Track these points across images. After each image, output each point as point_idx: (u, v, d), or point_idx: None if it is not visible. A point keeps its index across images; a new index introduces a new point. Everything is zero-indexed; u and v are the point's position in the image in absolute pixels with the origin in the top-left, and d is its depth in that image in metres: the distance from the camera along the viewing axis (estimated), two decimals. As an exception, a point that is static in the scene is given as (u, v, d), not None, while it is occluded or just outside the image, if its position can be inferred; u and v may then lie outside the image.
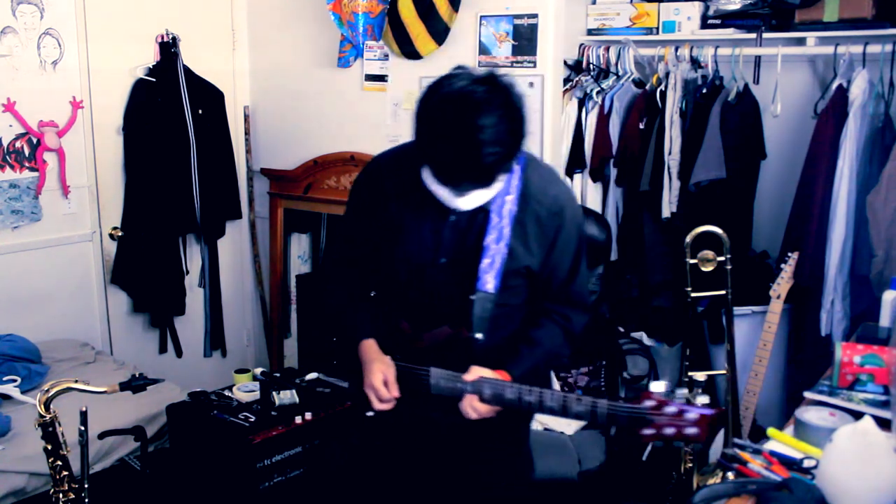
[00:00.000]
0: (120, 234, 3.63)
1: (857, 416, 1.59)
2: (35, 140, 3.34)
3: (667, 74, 3.21)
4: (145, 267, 3.67)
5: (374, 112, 3.59)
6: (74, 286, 3.56)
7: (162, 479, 2.76)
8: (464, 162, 1.59)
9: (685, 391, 1.64)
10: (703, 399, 1.65)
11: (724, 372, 2.72)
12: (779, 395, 3.15)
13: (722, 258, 2.57)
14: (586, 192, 3.42)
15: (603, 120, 3.32)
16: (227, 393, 2.98)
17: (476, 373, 1.77)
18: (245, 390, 2.95)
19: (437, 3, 3.23)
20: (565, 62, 3.41)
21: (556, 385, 2.93)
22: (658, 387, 1.63)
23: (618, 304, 3.39)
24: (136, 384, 1.98)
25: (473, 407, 1.77)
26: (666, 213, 3.20)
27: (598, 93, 3.35)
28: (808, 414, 1.68)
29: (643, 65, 3.44)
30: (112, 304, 3.69)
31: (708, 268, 2.58)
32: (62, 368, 3.12)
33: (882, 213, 2.73)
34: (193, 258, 3.93)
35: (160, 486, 2.73)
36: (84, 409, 1.93)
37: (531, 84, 3.20)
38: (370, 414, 1.90)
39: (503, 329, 1.86)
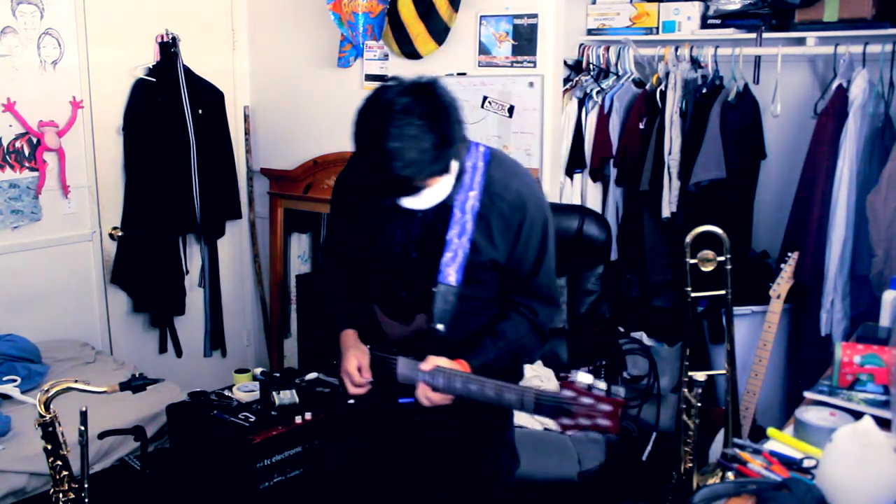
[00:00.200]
0: (120, 234, 3.63)
1: (857, 416, 1.59)
2: (35, 140, 3.34)
3: (667, 74, 3.21)
4: (145, 267, 3.67)
5: (375, 112, 3.58)
6: (74, 286, 3.56)
7: (162, 479, 2.76)
8: (377, 174, 1.64)
9: (601, 384, 1.66)
10: (601, 384, 1.67)
11: (724, 372, 2.72)
12: (779, 395, 3.15)
13: (722, 258, 2.57)
14: (586, 192, 3.43)
15: (603, 120, 3.32)
16: (227, 393, 2.98)
17: (432, 362, 1.81)
18: (245, 390, 2.95)
19: (437, 3, 3.23)
20: (565, 62, 3.41)
21: (556, 384, 2.93)
22: (582, 377, 1.66)
23: (618, 304, 3.39)
24: (136, 384, 1.97)
25: (426, 395, 1.82)
26: (666, 213, 3.20)
27: (598, 93, 3.35)
28: (808, 414, 1.68)
29: (643, 65, 3.44)
30: (112, 304, 3.69)
31: (708, 268, 2.58)
32: (62, 368, 3.12)
33: (882, 213, 2.73)
34: (193, 258, 3.93)
35: (160, 486, 2.73)
36: (84, 409, 1.93)
37: (531, 84, 3.21)
38: (351, 402, 1.99)
39: (473, 322, 1.90)
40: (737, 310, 2.85)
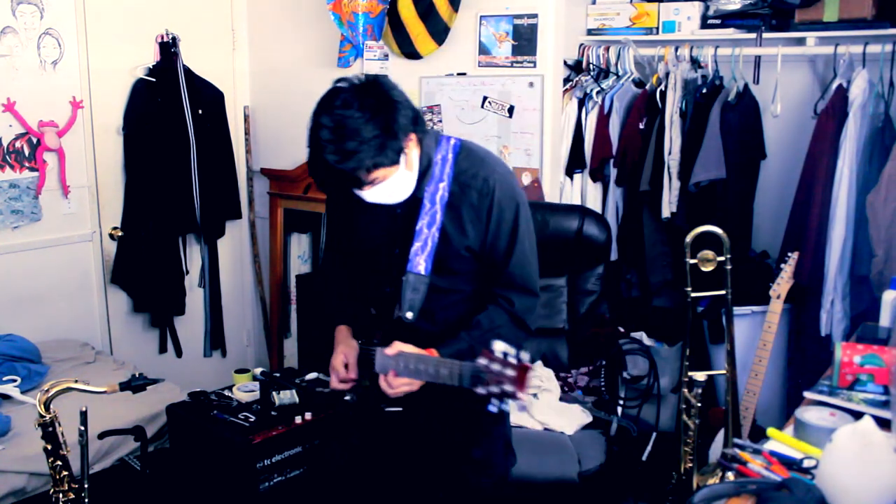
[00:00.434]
0: (120, 234, 3.63)
1: (857, 416, 1.59)
2: (35, 140, 3.34)
3: (667, 74, 3.21)
4: (145, 267, 3.67)
5: (374, 112, 3.59)
6: (74, 286, 3.56)
7: (162, 479, 2.76)
8: (319, 165, 1.69)
9: (524, 353, 1.61)
10: (524, 355, 1.61)
11: (724, 372, 2.72)
12: (779, 395, 3.15)
13: (722, 258, 2.57)
14: (586, 192, 3.43)
15: (603, 120, 3.32)
16: (227, 393, 2.98)
17: (396, 347, 1.83)
18: (245, 390, 2.95)
19: (437, 3, 3.23)
20: (565, 62, 3.41)
21: (556, 384, 2.93)
22: (498, 345, 1.61)
23: (618, 304, 3.39)
24: (136, 384, 1.98)
25: (388, 381, 1.83)
26: (666, 213, 3.20)
27: (598, 93, 3.35)
28: (808, 414, 1.68)
29: (643, 65, 3.44)
30: (112, 304, 3.69)
31: (708, 268, 2.58)
32: (62, 368, 3.12)
33: (882, 213, 2.73)
34: (193, 258, 3.93)
35: (160, 486, 2.73)
36: (84, 409, 1.93)
37: (531, 84, 3.21)
38: (347, 398, 2.03)
39: (454, 316, 1.92)
40: (737, 310, 2.85)
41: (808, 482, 1.39)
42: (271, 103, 4.04)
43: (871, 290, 2.81)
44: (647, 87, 3.30)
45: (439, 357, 1.78)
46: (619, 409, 2.95)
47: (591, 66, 3.43)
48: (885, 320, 2.09)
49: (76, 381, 1.93)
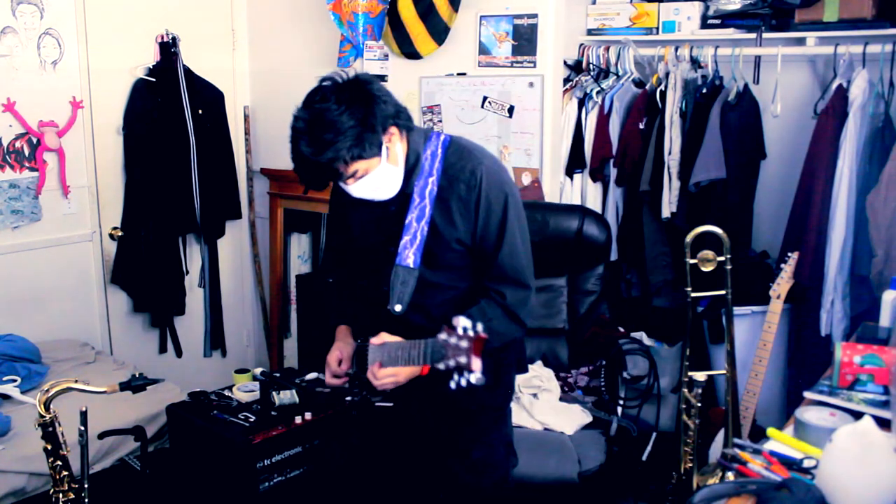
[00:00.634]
0: (120, 234, 3.63)
1: (857, 416, 1.59)
2: (35, 140, 3.34)
3: (667, 74, 3.21)
4: (145, 267, 3.67)
5: (374, 112, 3.59)
6: (74, 286, 3.56)
7: (162, 479, 2.76)
8: (297, 158, 1.76)
9: (479, 325, 1.58)
10: (480, 326, 1.58)
11: (724, 372, 2.72)
12: (779, 395, 3.15)
13: (722, 258, 2.57)
14: (586, 192, 3.43)
15: (603, 120, 3.32)
16: (227, 393, 2.98)
17: (381, 338, 1.85)
18: (245, 390, 2.95)
19: (437, 3, 3.23)
20: (565, 62, 3.41)
21: (556, 386, 2.93)
22: (459, 320, 1.59)
23: (618, 304, 3.39)
24: (136, 384, 1.98)
25: (373, 372, 1.84)
26: (666, 213, 3.20)
27: (598, 93, 3.35)
28: (808, 414, 1.68)
29: (643, 65, 3.44)
30: (112, 304, 3.69)
31: (708, 268, 2.58)
32: (62, 368, 3.12)
33: (882, 213, 2.73)
34: (193, 258, 3.93)
35: (160, 486, 2.73)
36: (84, 409, 1.93)
37: (531, 84, 3.21)
38: (349, 399, 2.06)
39: (447, 311, 1.88)
40: (737, 310, 2.85)
41: (808, 482, 1.39)
42: (271, 103, 4.04)
43: (871, 290, 2.81)
44: (647, 87, 3.30)
45: (413, 341, 1.77)
46: (619, 409, 2.95)
47: (591, 66, 3.43)
48: (885, 320, 2.09)
49: (76, 381, 1.94)
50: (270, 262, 4.16)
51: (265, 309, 4.25)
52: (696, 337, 3.15)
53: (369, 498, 2.19)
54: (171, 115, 3.66)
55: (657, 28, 3.35)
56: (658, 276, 3.34)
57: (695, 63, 3.21)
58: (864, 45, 2.84)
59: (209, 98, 3.81)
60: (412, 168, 1.87)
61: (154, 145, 3.62)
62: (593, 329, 3.04)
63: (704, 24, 3.27)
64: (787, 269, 2.78)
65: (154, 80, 3.62)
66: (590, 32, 3.50)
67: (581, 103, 3.38)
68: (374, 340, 1.86)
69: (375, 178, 1.80)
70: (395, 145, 1.82)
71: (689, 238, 2.60)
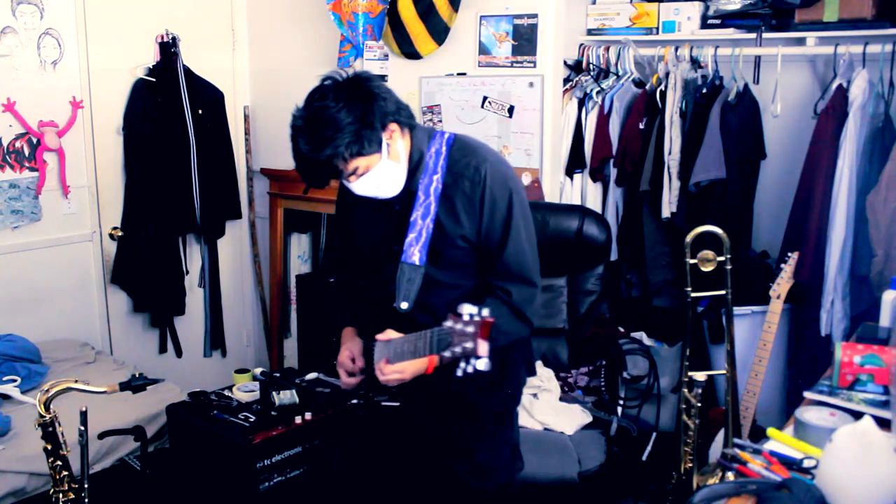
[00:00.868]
0: (120, 234, 3.63)
1: (857, 416, 1.59)
2: (35, 140, 3.34)
3: (667, 74, 3.21)
4: (145, 267, 3.67)
5: (374, 112, 3.59)
6: (74, 286, 3.56)
7: (162, 479, 2.76)
8: (297, 156, 1.78)
9: (485, 310, 1.54)
10: (486, 311, 1.55)
11: (724, 372, 2.72)
12: (779, 395, 3.15)
13: (722, 258, 2.57)
14: (586, 192, 3.43)
15: (603, 120, 3.32)
16: (227, 393, 2.98)
17: (387, 334, 1.84)
18: (245, 390, 2.95)
19: (437, 3, 3.23)
20: (565, 62, 3.41)
21: (556, 386, 2.93)
22: (465, 307, 1.55)
23: (618, 304, 3.39)
24: (136, 384, 1.98)
25: (379, 368, 1.83)
26: (666, 213, 3.20)
27: (598, 93, 3.35)
28: (808, 414, 1.68)
29: (643, 65, 3.44)
30: (112, 304, 3.69)
31: (708, 268, 2.58)
32: (62, 368, 3.12)
33: (882, 213, 2.73)
34: (193, 258, 3.93)
35: (160, 486, 2.73)
36: (84, 409, 1.93)
37: (531, 84, 3.21)
38: (355, 402, 2.03)
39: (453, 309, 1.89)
40: (737, 310, 2.85)
41: (808, 482, 1.39)
42: (271, 103, 4.04)
43: (871, 290, 2.81)
44: (647, 87, 3.30)
45: (418, 332, 1.75)
46: (619, 409, 2.95)
47: (591, 66, 3.43)
48: (885, 320, 2.09)
49: (76, 381, 1.94)
50: (270, 262, 4.16)
51: (265, 309, 4.25)
52: (696, 337, 3.15)
53: (369, 498, 2.19)
54: (171, 115, 3.66)
55: (657, 28, 3.35)
56: (658, 276, 3.34)
57: (695, 63, 3.21)
58: (864, 45, 2.84)
59: (209, 98, 3.81)
60: (416, 166, 1.86)
61: (154, 145, 3.62)
62: (593, 329, 3.04)
63: (704, 24, 3.27)
64: (787, 269, 2.78)
65: (154, 80, 3.62)
66: (590, 32, 3.50)
67: (581, 103, 3.38)
68: (381, 337, 1.85)
69: (377, 176, 1.80)
70: (396, 142, 1.82)
71: (689, 238, 2.60)
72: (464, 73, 3.37)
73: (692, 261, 2.59)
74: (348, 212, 2.03)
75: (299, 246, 4.14)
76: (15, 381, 2.90)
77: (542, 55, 3.18)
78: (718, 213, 3.02)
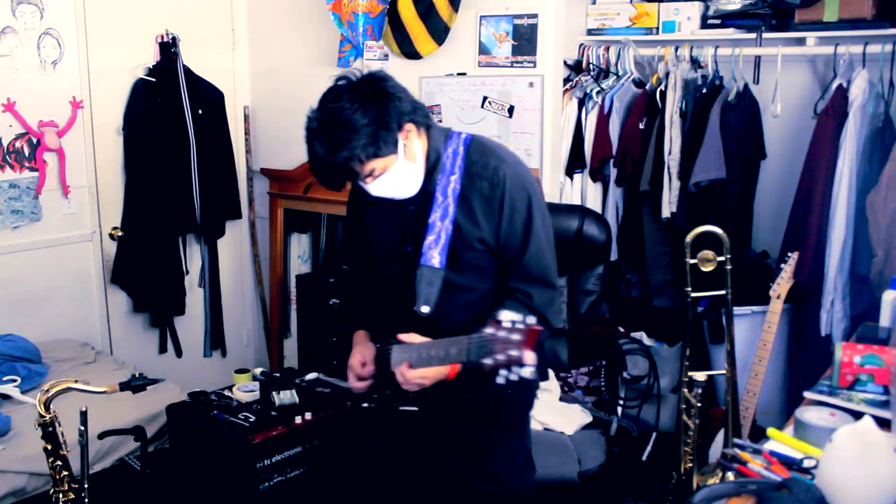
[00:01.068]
0: (120, 234, 3.63)
1: (857, 416, 1.59)
2: (35, 140, 3.34)
3: (667, 74, 3.21)
4: (145, 267, 3.67)
5: (374, 112, 3.59)
6: (74, 286, 3.56)
7: (162, 479, 2.76)
8: (312, 159, 1.73)
9: (530, 318, 1.53)
10: (531, 319, 1.53)
11: (724, 372, 2.72)
12: (779, 395, 3.15)
13: (722, 258, 2.57)
14: (586, 192, 3.43)
15: (603, 120, 3.32)
16: (227, 393, 2.98)
17: (411, 337, 1.82)
18: (245, 390, 2.95)
19: (437, 3, 3.23)
20: (565, 62, 3.41)
21: (556, 385, 2.93)
22: (504, 314, 1.54)
23: (618, 304, 3.39)
24: (136, 384, 1.98)
25: (402, 372, 1.80)
26: (666, 213, 3.20)
27: (598, 93, 3.35)
28: (808, 414, 1.68)
29: (643, 65, 3.44)
30: (112, 304, 3.69)
31: (708, 268, 2.58)
32: (62, 368, 3.12)
33: (882, 213, 2.73)
34: (193, 258, 3.93)
35: (160, 486, 2.73)
36: (84, 409, 1.93)
37: (531, 84, 3.21)
38: (365, 406, 2.00)
39: (470, 313, 1.88)
40: (737, 310, 2.85)
41: (808, 482, 1.39)
42: (271, 103, 4.04)
43: (871, 290, 2.81)
44: (647, 87, 3.30)
45: (449, 338, 1.72)
46: (619, 409, 2.95)
47: (591, 66, 3.43)
48: (885, 320, 2.09)
49: (76, 381, 1.94)
50: (270, 262, 4.16)
51: (265, 309, 4.25)
52: (696, 337, 3.15)
53: (369, 498, 2.18)
54: (171, 115, 3.66)
55: (657, 28, 3.35)
56: (658, 276, 3.34)
57: (695, 63, 3.21)
58: (864, 45, 2.84)
59: (209, 98, 3.81)
60: (433, 166, 1.84)
61: (154, 145, 3.62)
62: (593, 329, 3.04)
63: (704, 24, 3.27)
64: (787, 269, 2.78)
65: (154, 80, 3.62)
66: (590, 32, 3.50)
67: (581, 103, 3.38)
68: (404, 338, 1.81)
69: (394, 176, 1.78)
70: (412, 142, 1.79)
71: (689, 238, 2.60)
72: (464, 73, 3.37)
73: (692, 261, 2.59)
74: (360, 212, 2.00)
75: (299, 246, 4.14)
76: (15, 381, 2.90)
77: (542, 55, 3.18)
78: (718, 213, 3.02)
